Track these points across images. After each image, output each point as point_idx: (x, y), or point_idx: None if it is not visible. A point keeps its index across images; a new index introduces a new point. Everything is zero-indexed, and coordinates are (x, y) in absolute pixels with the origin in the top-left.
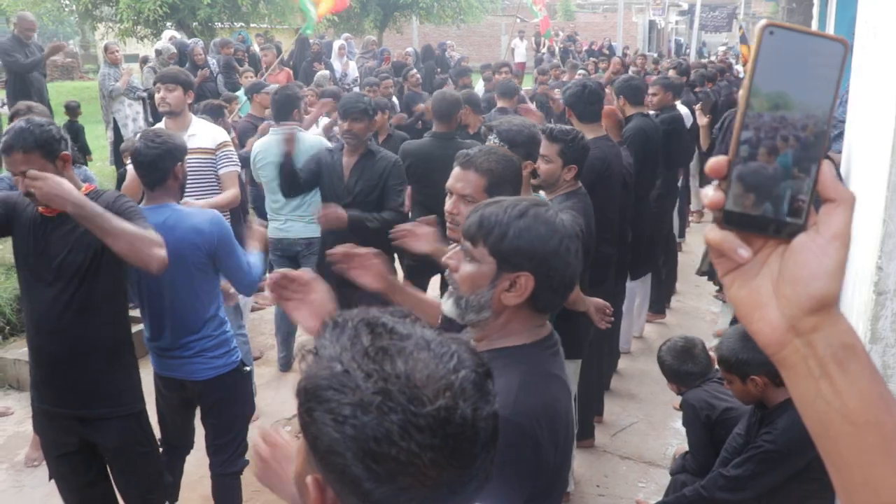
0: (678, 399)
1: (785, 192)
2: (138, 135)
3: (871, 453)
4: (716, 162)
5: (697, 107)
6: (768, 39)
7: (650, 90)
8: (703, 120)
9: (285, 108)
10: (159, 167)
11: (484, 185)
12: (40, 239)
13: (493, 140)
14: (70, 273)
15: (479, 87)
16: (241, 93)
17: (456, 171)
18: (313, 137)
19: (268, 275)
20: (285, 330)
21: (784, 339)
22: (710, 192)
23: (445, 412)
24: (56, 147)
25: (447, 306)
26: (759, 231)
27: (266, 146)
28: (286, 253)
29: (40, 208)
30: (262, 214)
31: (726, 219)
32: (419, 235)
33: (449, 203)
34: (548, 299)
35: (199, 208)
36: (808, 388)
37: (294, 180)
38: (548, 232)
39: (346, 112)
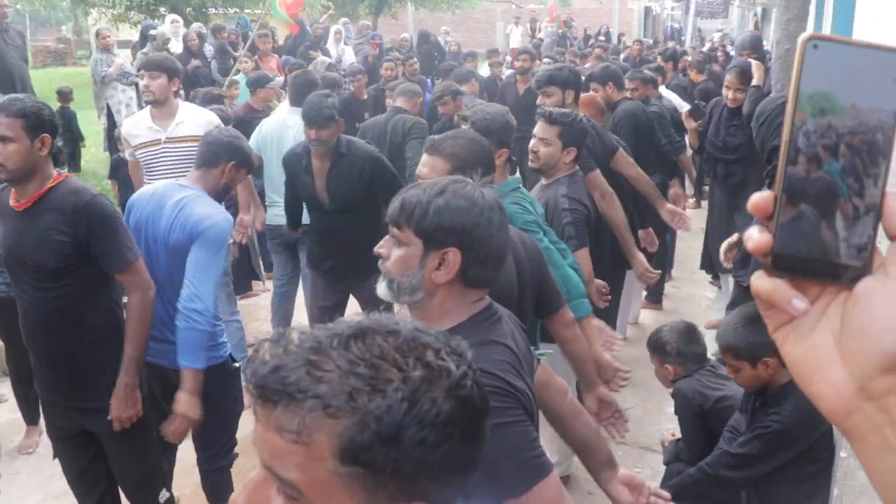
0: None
1: (843, 230)
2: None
3: None
4: (760, 199)
5: (685, 112)
6: (812, 54)
7: (629, 84)
8: (690, 124)
9: (304, 93)
10: (214, 151)
11: (449, 170)
12: (14, 235)
13: (467, 129)
14: (46, 273)
15: (483, 72)
16: (240, 77)
17: (423, 157)
18: (273, 122)
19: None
20: (282, 315)
21: (852, 404)
22: (754, 235)
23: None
24: (41, 126)
25: (381, 290)
26: (815, 277)
27: (274, 128)
28: (283, 240)
29: (11, 201)
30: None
31: (775, 264)
32: None
33: None
34: (477, 272)
35: (216, 204)
36: (886, 463)
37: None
38: (467, 205)
39: (311, 120)
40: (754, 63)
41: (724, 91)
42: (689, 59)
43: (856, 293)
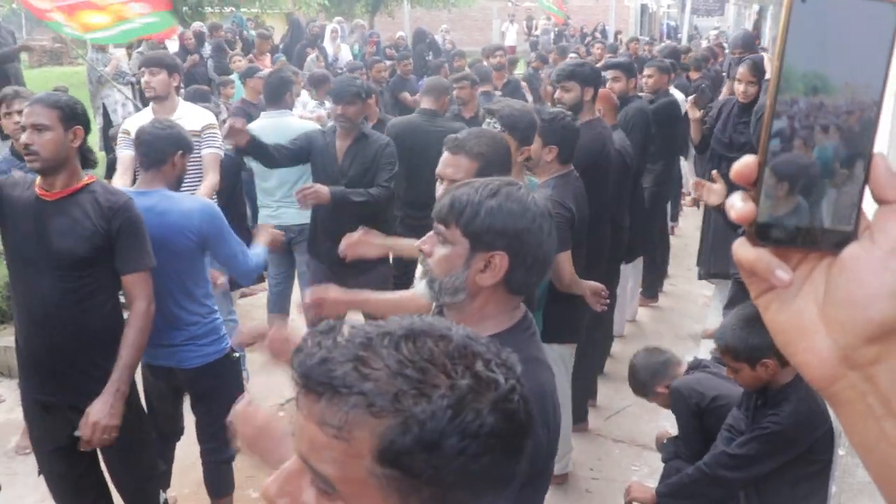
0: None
1: (829, 194)
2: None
3: None
4: (743, 165)
5: (690, 100)
6: (799, 9)
7: (645, 72)
8: (695, 113)
9: (278, 92)
10: (158, 148)
11: (476, 170)
12: (39, 224)
13: (493, 124)
14: (69, 262)
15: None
16: (234, 76)
17: (445, 155)
18: (303, 122)
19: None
20: (278, 314)
21: (836, 372)
22: (737, 203)
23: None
24: (76, 118)
25: (420, 288)
26: (800, 245)
27: (258, 131)
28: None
29: (38, 190)
30: (254, 199)
31: (759, 233)
32: (364, 242)
33: (440, 189)
34: (522, 279)
35: (188, 195)
36: (869, 429)
37: (265, 158)
38: (520, 209)
39: (338, 96)
40: (767, 56)
41: (735, 85)
42: (688, 56)
43: (841, 260)
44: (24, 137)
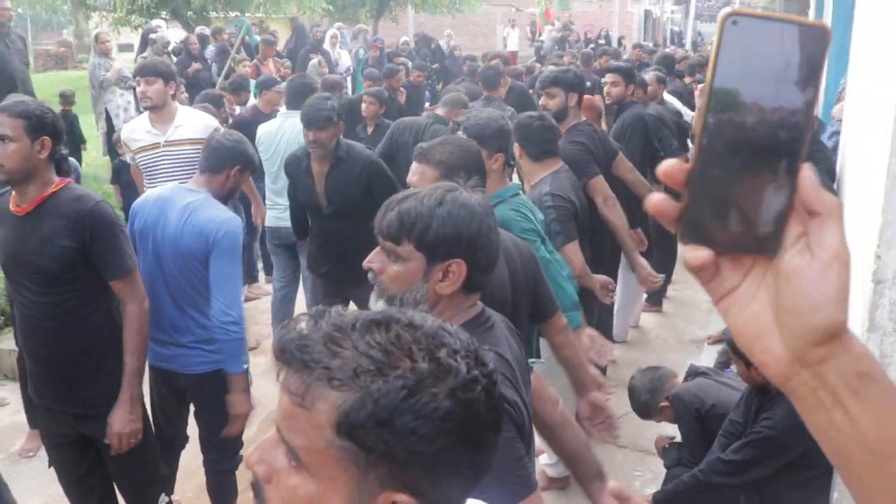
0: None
1: (756, 201)
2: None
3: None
4: (670, 167)
5: (700, 87)
6: (731, 31)
7: (608, 78)
8: (702, 101)
9: (299, 97)
10: (219, 156)
11: (437, 178)
12: (14, 240)
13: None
14: (47, 278)
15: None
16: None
17: (413, 164)
18: (270, 126)
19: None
20: (282, 318)
21: (791, 371)
22: (654, 198)
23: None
24: (43, 128)
25: (377, 307)
26: (731, 248)
27: (273, 130)
28: (283, 242)
29: (11, 205)
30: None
31: (689, 234)
32: None
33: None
34: (478, 280)
35: (223, 207)
36: (821, 418)
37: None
38: (468, 214)
39: (309, 121)
40: None
41: None
42: (684, 63)
43: (785, 271)
44: None
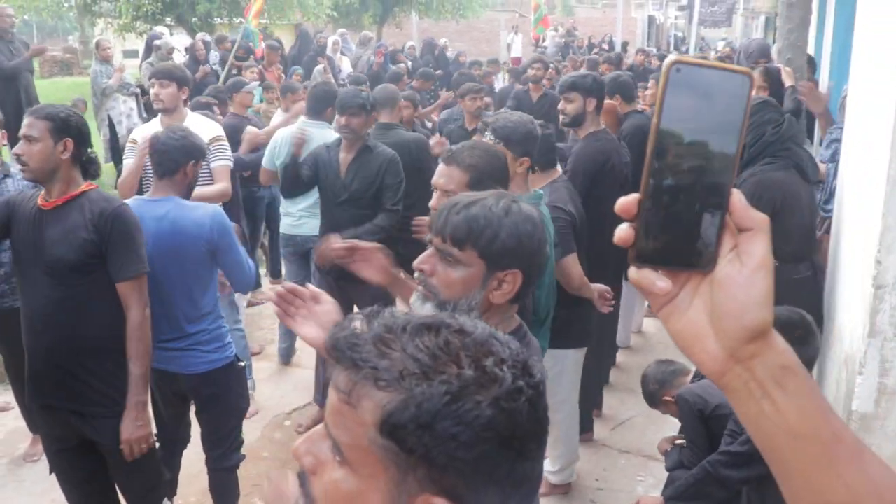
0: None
1: (694, 225)
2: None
3: (814, 461)
4: (626, 201)
5: None
6: (675, 76)
7: (650, 83)
8: None
9: (321, 104)
10: (171, 157)
11: (467, 181)
12: (36, 232)
13: (488, 137)
14: (63, 270)
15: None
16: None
17: (440, 166)
18: (289, 132)
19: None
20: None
21: (725, 367)
22: (620, 230)
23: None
24: (67, 131)
25: (424, 310)
26: (674, 265)
27: (288, 138)
28: (298, 250)
29: (39, 200)
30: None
31: (639, 257)
32: (371, 262)
33: (434, 199)
34: (526, 292)
35: (200, 203)
36: (752, 408)
37: (296, 181)
38: (532, 229)
39: (343, 106)
40: (784, 69)
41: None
42: None
43: (718, 279)
44: (16, 147)
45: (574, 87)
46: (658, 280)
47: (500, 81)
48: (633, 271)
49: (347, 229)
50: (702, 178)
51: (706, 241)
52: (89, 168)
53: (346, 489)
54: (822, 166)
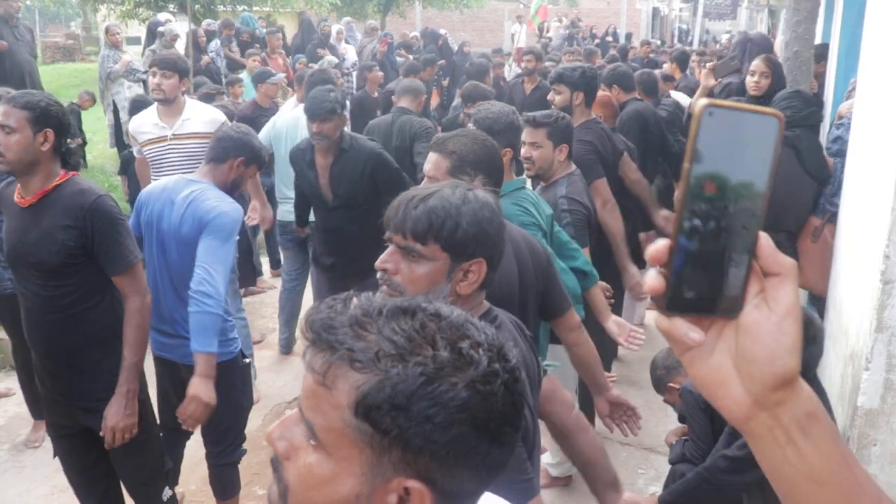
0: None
1: (724, 271)
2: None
3: None
4: (656, 251)
5: (709, 65)
6: (707, 120)
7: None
8: (708, 80)
9: None
10: (224, 146)
11: (447, 168)
12: (17, 231)
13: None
14: (49, 271)
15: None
16: (244, 75)
17: (429, 154)
18: (286, 118)
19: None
20: (289, 311)
21: (750, 413)
22: (650, 280)
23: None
24: (47, 121)
25: None
26: (702, 312)
27: (288, 121)
28: (295, 236)
29: (16, 196)
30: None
31: (669, 306)
32: None
33: (422, 185)
34: (490, 278)
35: (224, 195)
36: (775, 454)
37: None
38: (491, 214)
39: (312, 113)
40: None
41: (748, 79)
42: (697, 58)
43: (747, 324)
44: None
45: (561, 79)
46: (691, 331)
47: (508, 71)
48: (662, 320)
49: (343, 231)
50: (732, 221)
51: (734, 287)
52: (69, 160)
53: (320, 473)
54: (830, 160)
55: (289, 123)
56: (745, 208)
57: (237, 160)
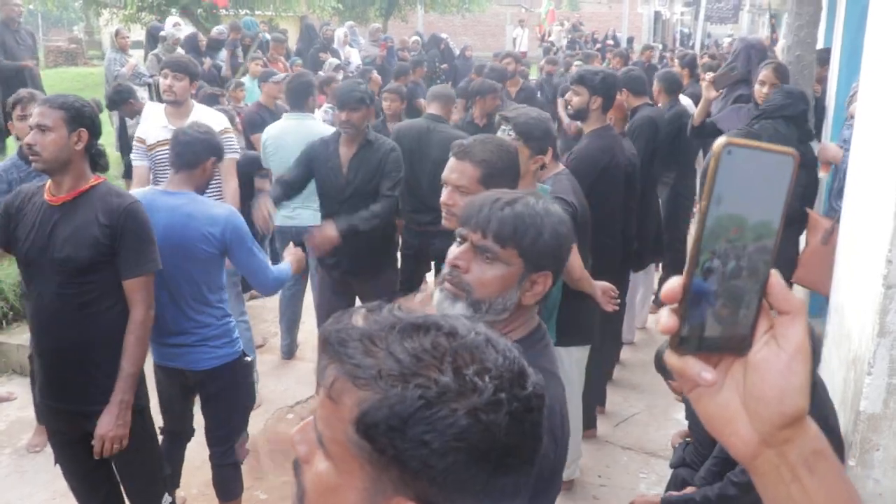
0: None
1: (735, 310)
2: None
3: None
4: (670, 290)
5: (710, 77)
6: (726, 159)
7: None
8: (709, 93)
9: (301, 96)
10: (194, 150)
11: (479, 177)
12: (43, 229)
13: (507, 132)
14: (72, 269)
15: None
16: (246, 79)
17: (451, 161)
18: (324, 126)
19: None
20: (290, 317)
21: (757, 450)
22: (664, 319)
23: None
24: (81, 121)
25: (455, 309)
26: (713, 350)
27: (279, 132)
28: (295, 241)
29: (46, 194)
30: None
31: (682, 343)
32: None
33: (444, 194)
34: (549, 293)
35: (217, 202)
36: (780, 492)
37: (286, 194)
38: (567, 231)
39: (342, 102)
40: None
41: (756, 88)
42: (703, 63)
43: (754, 363)
44: (27, 137)
45: (582, 80)
46: (704, 371)
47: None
48: (674, 358)
49: (347, 236)
50: (748, 261)
51: (745, 325)
52: (99, 161)
53: (328, 483)
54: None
55: (277, 134)
56: (760, 247)
57: (209, 161)
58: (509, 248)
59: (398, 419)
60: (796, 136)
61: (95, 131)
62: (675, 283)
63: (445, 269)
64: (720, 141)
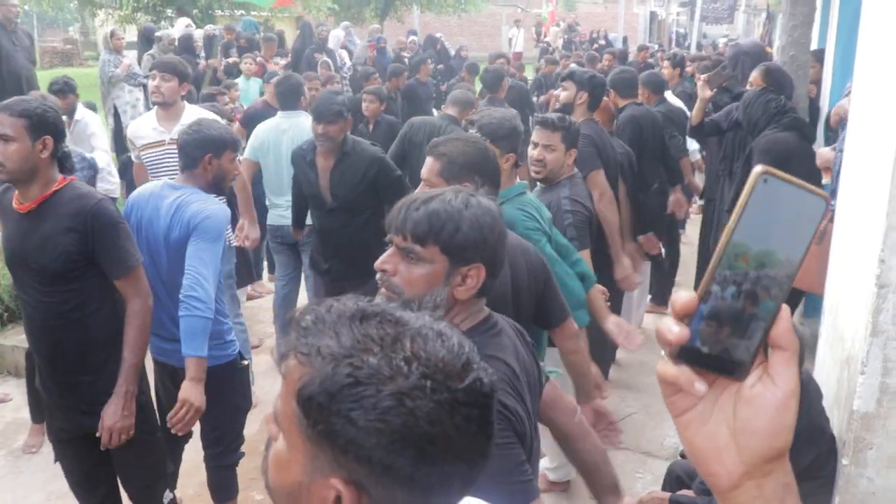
0: None
1: (741, 335)
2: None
3: None
4: (685, 304)
5: (704, 77)
6: (761, 187)
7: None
8: (704, 93)
9: (292, 97)
10: (187, 152)
11: (438, 170)
12: (18, 238)
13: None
14: (50, 277)
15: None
16: (240, 79)
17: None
18: (267, 127)
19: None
20: (284, 317)
21: (738, 483)
22: (674, 329)
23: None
24: (45, 128)
25: None
26: (709, 369)
27: (270, 131)
28: (286, 240)
29: (14, 203)
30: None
31: (682, 354)
32: None
33: (418, 190)
34: (489, 285)
35: (210, 197)
36: None
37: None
38: (492, 220)
39: (319, 114)
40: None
41: (748, 89)
42: (695, 64)
43: (748, 396)
44: None
45: (571, 76)
46: (696, 381)
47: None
48: (668, 367)
49: (341, 234)
50: (764, 289)
51: (746, 352)
52: (65, 163)
53: (281, 457)
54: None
55: (269, 130)
56: (778, 280)
57: (205, 158)
58: (429, 245)
59: (327, 395)
60: (795, 137)
61: (60, 136)
62: (689, 296)
63: (377, 275)
64: (758, 169)
